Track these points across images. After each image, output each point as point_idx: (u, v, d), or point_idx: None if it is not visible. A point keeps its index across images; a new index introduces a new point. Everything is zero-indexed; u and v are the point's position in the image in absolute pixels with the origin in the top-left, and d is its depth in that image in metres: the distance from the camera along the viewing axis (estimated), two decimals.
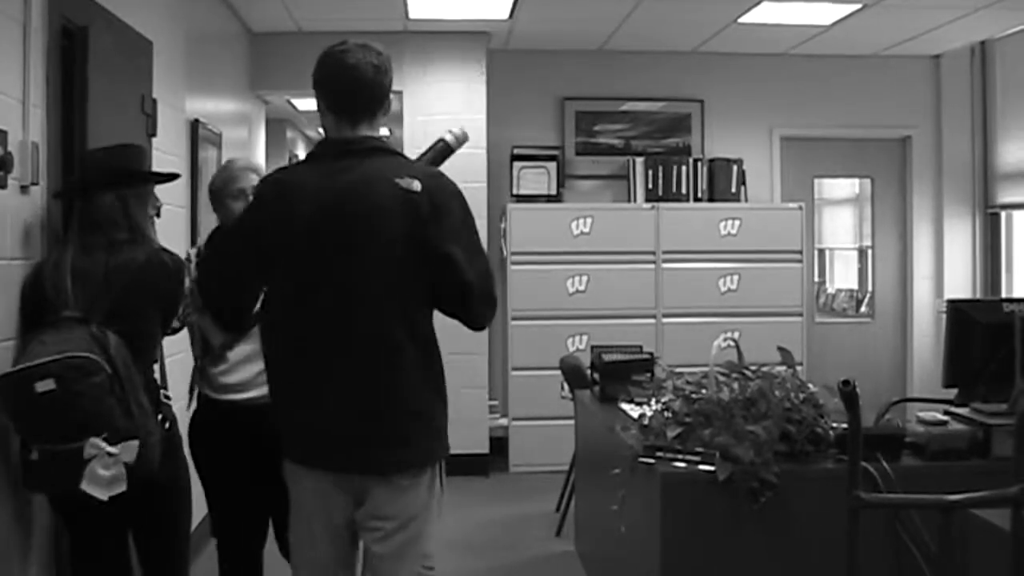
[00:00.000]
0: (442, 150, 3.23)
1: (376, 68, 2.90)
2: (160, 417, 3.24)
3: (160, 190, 3.60)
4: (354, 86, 2.89)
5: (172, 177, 3.64)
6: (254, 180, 3.74)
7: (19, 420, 2.96)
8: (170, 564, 3.43)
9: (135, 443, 2.95)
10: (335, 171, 2.86)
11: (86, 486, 2.90)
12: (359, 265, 2.83)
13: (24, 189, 3.35)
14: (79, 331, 2.98)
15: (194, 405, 3.90)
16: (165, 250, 3.36)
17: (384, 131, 11.39)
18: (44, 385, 2.85)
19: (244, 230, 3.07)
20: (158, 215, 3.51)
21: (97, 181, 3.25)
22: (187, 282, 3.42)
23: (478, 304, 2.98)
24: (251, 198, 3.33)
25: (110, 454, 2.90)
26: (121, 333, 3.06)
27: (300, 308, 2.89)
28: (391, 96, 3.00)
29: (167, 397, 3.38)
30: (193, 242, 5.42)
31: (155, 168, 4.14)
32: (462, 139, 3.25)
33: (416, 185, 2.82)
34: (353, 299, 2.84)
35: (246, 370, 3.71)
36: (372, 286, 2.83)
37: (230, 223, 3.72)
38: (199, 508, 3.73)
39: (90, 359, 2.92)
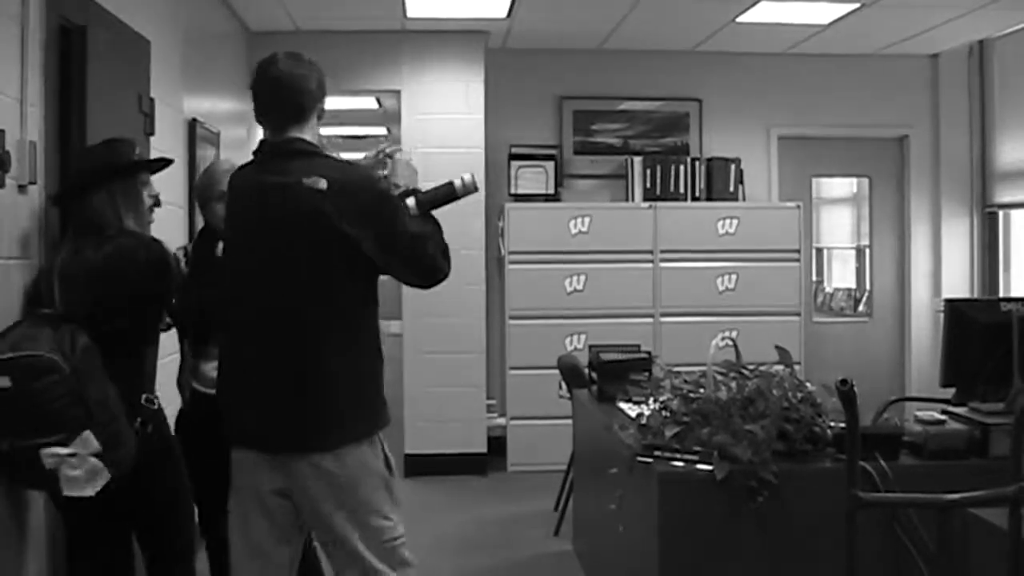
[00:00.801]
0: (446, 193, 3.28)
1: (300, 77, 3.09)
2: (139, 420, 3.22)
3: (159, 188, 3.57)
4: (275, 94, 3.09)
5: (163, 164, 3.61)
6: None
7: None
8: (168, 567, 3.41)
9: (87, 433, 2.89)
10: (263, 171, 3.10)
11: (68, 491, 2.89)
12: (278, 259, 3.03)
13: (22, 188, 3.34)
14: (46, 330, 2.96)
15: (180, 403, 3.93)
16: (143, 240, 3.32)
17: (382, 130, 11.39)
18: (1, 382, 2.84)
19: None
20: (157, 205, 3.49)
21: (89, 180, 3.27)
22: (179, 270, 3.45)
23: (405, 279, 3.21)
24: None
25: (71, 454, 2.87)
26: (100, 332, 3.04)
27: (236, 300, 3.13)
28: (321, 104, 3.16)
29: (150, 400, 3.33)
30: (191, 239, 5.42)
31: None
32: (470, 189, 3.28)
33: (322, 184, 2.97)
34: (273, 291, 3.04)
35: None
36: (292, 281, 3.03)
37: (215, 223, 3.86)
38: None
39: (44, 358, 2.88)
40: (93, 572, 3.31)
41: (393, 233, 3.06)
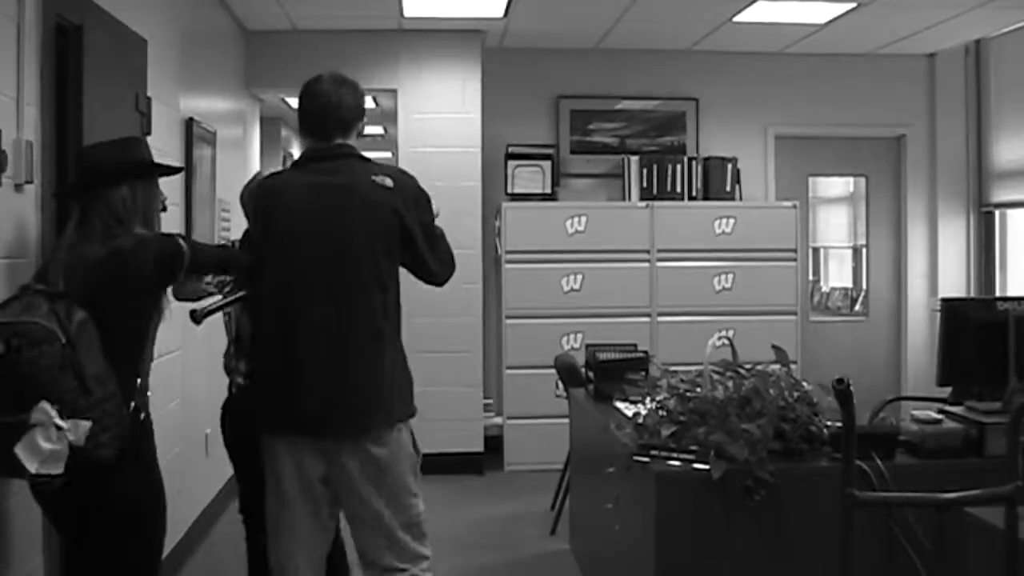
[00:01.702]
0: None
1: (345, 95, 3.39)
2: (133, 406, 3.09)
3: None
4: (323, 111, 3.37)
5: (178, 170, 3.69)
6: None
7: None
8: None
9: (87, 424, 2.78)
10: (319, 171, 3.33)
11: (19, 451, 2.71)
12: (345, 250, 3.26)
13: (18, 188, 3.35)
14: (43, 304, 2.88)
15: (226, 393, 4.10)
16: (148, 236, 3.23)
17: (379, 129, 11.39)
18: None
19: (250, 238, 3.44)
20: (164, 209, 3.45)
21: (114, 174, 3.19)
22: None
23: (434, 273, 3.48)
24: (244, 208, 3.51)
25: (58, 427, 2.73)
26: (98, 319, 2.97)
27: (289, 291, 3.27)
28: (362, 121, 3.46)
29: (145, 387, 3.21)
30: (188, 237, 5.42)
31: None
32: (435, 215, 3.53)
33: (389, 182, 3.31)
34: (340, 281, 3.26)
35: None
36: (357, 270, 3.27)
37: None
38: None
39: (39, 325, 2.80)
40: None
41: (433, 229, 3.44)
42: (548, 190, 7.92)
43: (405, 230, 3.31)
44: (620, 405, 4.62)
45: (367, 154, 3.47)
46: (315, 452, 3.27)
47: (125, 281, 3.11)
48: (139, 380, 3.17)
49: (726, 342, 4.29)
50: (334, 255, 3.25)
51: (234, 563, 5.52)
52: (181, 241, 3.24)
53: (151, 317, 3.27)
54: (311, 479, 3.29)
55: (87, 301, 2.99)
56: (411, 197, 3.36)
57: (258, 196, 3.42)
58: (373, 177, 3.30)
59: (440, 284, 3.55)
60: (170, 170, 3.54)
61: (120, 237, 3.14)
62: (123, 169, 3.23)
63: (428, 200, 3.44)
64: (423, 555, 3.44)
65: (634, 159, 8.01)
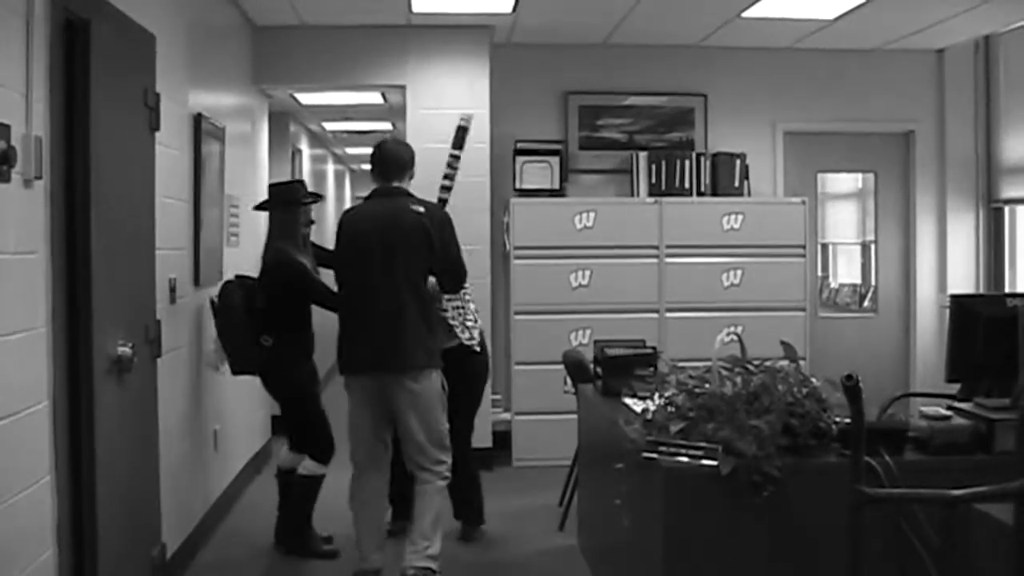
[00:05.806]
0: (460, 136, 5.63)
1: (402, 153, 5.13)
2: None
3: (164, 184, 4.03)
4: (386, 162, 5.07)
5: (318, 198, 6.14)
6: None
7: None
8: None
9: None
10: (382, 205, 5.01)
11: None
12: (391, 258, 4.83)
13: (27, 183, 3.35)
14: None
15: None
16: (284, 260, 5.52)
17: (387, 125, 11.40)
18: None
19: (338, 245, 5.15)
20: (311, 223, 5.78)
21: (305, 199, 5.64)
22: None
23: (449, 279, 5.08)
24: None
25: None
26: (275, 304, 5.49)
27: (359, 283, 4.92)
28: (412, 168, 5.13)
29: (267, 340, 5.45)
30: (196, 234, 5.45)
31: (160, 164, 4.58)
32: (469, 122, 5.63)
33: (421, 209, 4.93)
34: (388, 277, 4.82)
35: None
36: (398, 269, 4.83)
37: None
38: None
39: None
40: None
41: (450, 246, 4.99)
42: (556, 186, 7.92)
43: (430, 242, 4.88)
44: (628, 401, 4.61)
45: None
46: (377, 386, 4.86)
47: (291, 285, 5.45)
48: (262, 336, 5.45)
49: (735, 338, 4.28)
50: (384, 260, 4.82)
51: (243, 557, 5.54)
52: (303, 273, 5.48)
53: (305, 306, 5.53)
54: (377, 402, 4.90)
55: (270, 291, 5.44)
56: (435, 221, 4.93)
57: (345, 220, 5.12)
58: (412, 207, 4.91)
59: (449, 290, 5.19)
60: (317, 198, 5.95)
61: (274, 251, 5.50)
62: (311, 196, 5.73)
63: (450, 222, 5.02)
64: (441, 460, 4.98)
65: (643, 155, 8.01)
